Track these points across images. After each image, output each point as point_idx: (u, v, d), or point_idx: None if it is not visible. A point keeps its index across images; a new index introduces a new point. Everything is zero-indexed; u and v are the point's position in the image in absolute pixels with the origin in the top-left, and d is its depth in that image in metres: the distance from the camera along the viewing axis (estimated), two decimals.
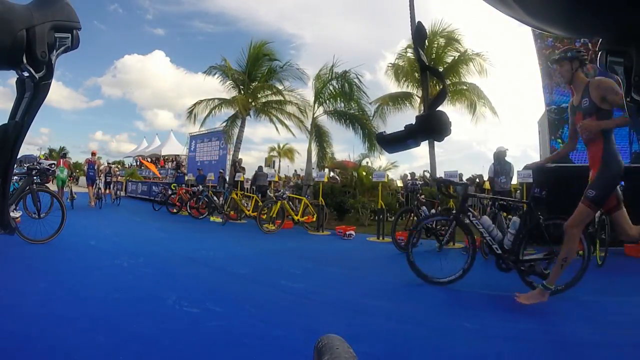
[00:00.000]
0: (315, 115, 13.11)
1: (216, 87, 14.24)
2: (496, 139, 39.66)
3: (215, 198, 10.37)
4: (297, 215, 8.78)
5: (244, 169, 12.61)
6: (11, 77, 0.45)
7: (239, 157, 13.51)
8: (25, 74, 0.44)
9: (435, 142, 0.51)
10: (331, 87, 12.62)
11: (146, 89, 62.54)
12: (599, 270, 4.90)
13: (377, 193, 8.43)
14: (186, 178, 14.21)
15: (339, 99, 12.60)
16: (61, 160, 10.90)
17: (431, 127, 0.48)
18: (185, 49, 54.88)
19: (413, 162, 61.69)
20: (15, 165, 0.50)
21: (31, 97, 0.46)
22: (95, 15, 43.42)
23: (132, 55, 58.81)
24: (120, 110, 58.77)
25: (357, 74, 12.36)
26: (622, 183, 5.42)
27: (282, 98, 13.71)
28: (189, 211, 10.46)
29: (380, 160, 14.17)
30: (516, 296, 3.08)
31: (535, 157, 13.28)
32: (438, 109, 0.48)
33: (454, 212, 4.20)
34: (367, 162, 13.95)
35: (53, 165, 5.32)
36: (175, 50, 56.62)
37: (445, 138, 0.48)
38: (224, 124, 14.14)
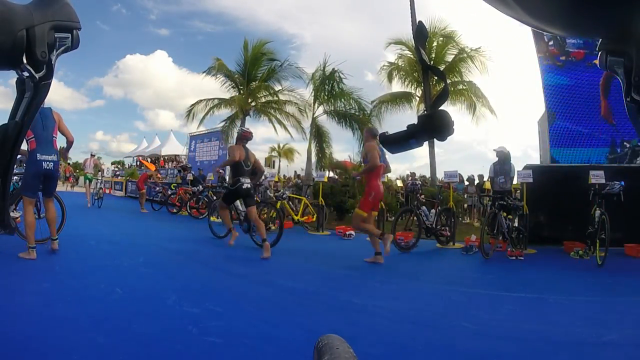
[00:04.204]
0: (315, 115, 13.13)
1: (218, 87, 14.28)
2: (496, 139, 39.64)
3: (215, 198, 10.35)
4: (297, 215, 8.78)
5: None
6: (11, 77, 0.45)
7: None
8: (25, 74, 0.44)
9: (436, 142, 0.51)
10: (325, 87, 12.70)
11: (148, 89, 62.39)
12: (599, 270, 4.90)
13: None
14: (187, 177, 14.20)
15: (334, 98, 12.67)
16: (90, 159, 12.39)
17: (434, 127, 0.47)
18: (187, 49, 54.73)
19: (413, 162, 61.69)
20: (15, 165, 0.50)
21: (31, 97, 0.46)
22: (98, 16, 43.34)
23: (134, 55, 58.69)
24: (121, 110, 58.48)
25: (340, 73, 12.45)
26: (622, 183, 5.45)
27: (281, 98, 13.74)
28: (189, 211, 10.46)
29: None
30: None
31: (535, 157, 13.27)
32: (440, 108, 0.48)
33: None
34: None
35: None
36: (178, 50, 56.40)
37: (448, 138, 0.47)
38: (223, 124, 14.16)
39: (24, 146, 3.74)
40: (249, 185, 5.14)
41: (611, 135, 9.47)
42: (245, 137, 5.38)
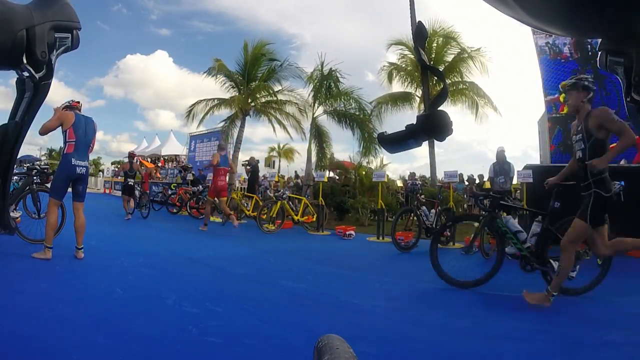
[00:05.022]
0: (315, 115, 13.12)
1: (218, 87, 14.28)
2: (497, 139, 39.73)
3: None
4: (297, 215, 8.78)
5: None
6: (11, 77, 0.45)
7: (251, 157, 13.47)
8: (25, 74, 0.44)
9: (436, 142, 0.51)
10: (323, 87, 12.72)
11: (148, 89, 62.44)
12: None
13: (377, 193, 8.44)
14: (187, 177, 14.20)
15: (333, 98, 12.69)
16: None
17: (432, 127, 0.47)
18: (188, 49, 54.76)
19: (413, 162, 61.76)
20: (15, 165, 0.50)
21: (31, 97, 0.46)
22: (98, 16, 43.36)
23: (134, 55, 58.67)
24: (122, 110, 58.61)
25: (338, 72, 12.46)
26: (622, 183, 5.44)
27: (281, 98, 13.74)
28: (189, 211, 10.45)
29: (372, 164, 14.20)
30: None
31: (535, 156, 13.30)
32: (439, 108, 0.48)
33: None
34: (367, 163, 13.98)
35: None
36: (178, 50, 56.44)
37: (447, 138, 0.47)
38: (222, 124, 14.15)
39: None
40: (131, 183, 8.95)
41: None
42: (131, 156, 9.45)
